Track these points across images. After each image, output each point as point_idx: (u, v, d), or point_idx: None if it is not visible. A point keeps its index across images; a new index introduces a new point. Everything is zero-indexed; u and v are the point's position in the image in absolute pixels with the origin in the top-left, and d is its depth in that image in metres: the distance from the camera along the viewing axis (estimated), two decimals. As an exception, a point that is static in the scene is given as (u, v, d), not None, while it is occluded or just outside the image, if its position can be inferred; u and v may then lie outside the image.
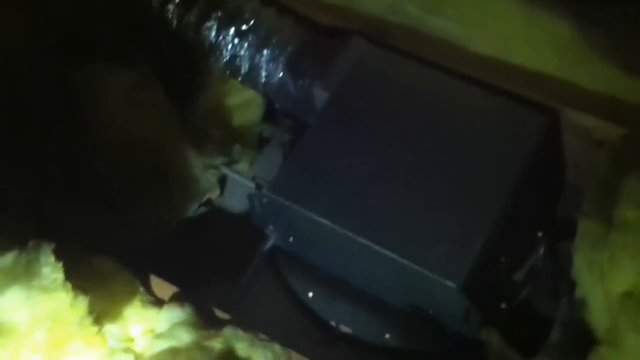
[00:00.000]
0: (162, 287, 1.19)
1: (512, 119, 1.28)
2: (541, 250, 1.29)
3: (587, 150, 1.29)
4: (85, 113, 1.34)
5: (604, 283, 1.11)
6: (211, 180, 1.43)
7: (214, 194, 1.45)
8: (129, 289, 1.15)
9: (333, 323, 1.30)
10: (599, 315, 1.11)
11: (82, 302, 1.03)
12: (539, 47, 1.31)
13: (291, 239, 1.34)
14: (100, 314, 1.08)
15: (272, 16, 1.43)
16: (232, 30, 1.43)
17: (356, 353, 1.28)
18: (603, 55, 1.25)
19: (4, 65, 1.28)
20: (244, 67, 1.44)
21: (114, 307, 1.12)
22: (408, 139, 1.28)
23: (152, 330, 1.14)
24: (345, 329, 1.30)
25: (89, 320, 1.04)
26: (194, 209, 1.42)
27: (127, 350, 1.09)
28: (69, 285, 1.02)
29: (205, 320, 1.14)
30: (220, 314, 1.18)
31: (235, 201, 1.45)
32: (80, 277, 1.05)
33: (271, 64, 1.41)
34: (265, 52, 1.41)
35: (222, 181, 1.46)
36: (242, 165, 1.46)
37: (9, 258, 1.01)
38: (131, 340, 1.13)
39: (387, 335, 1.27)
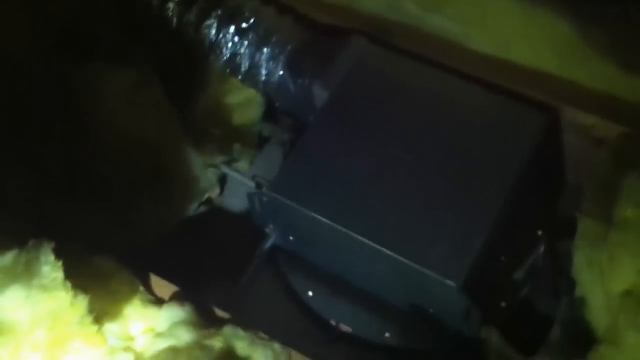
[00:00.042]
0: (162, 287, 1.19)
1: (511, 117, 1.28)
2: (541, 249, 1.29)
3: (587, 148, 1.28)
4: (85, 113, 1.34)
5: (603, 282, 1.11)
6: (211, 179, 1.43)
7: (214, 193, 1.46)
8: (129, 288, 1.15)
9: (333, 322, 1.30)
10: (598, 314, 1.12)
11: (82, 301, 1.03)
12: (539, 46, 1.31)
13: (291, 238, 1.34)
14: (101, 313, 1.08)
15: (272, 15, 1.43)
16: (232, 29, 1.43)
17: (356, 352, 1.28)
18: (603, 53, 1.25)
19: (4, 65, 1.28)
20: (244, 66, 1.44)
21: (114, 306, 1.12)
22: (408, 137, 1.28)
23: (152, 329, 1.14)
24: (345, 328, 1.30)
25: (89, 319, 1.04)
26: (193, 208, 1.42)
27: (127, 349, 1.09)
28: (69, 284, 1.02)
29: (205, 319, 1.14)
30: (220, 313, 1.17)
31: (235, 200, 1.45)
32: (80, 276, 1.05)
33: (271, 63, 1.41)
34: (265, 50, 1.41)
35: (222, 180, 1.46)
36: (242, 164, 1.46)
37: (9, 257, 1.01)
38: (131, 339, 1.13)
39: (387, 334, 1.27)
